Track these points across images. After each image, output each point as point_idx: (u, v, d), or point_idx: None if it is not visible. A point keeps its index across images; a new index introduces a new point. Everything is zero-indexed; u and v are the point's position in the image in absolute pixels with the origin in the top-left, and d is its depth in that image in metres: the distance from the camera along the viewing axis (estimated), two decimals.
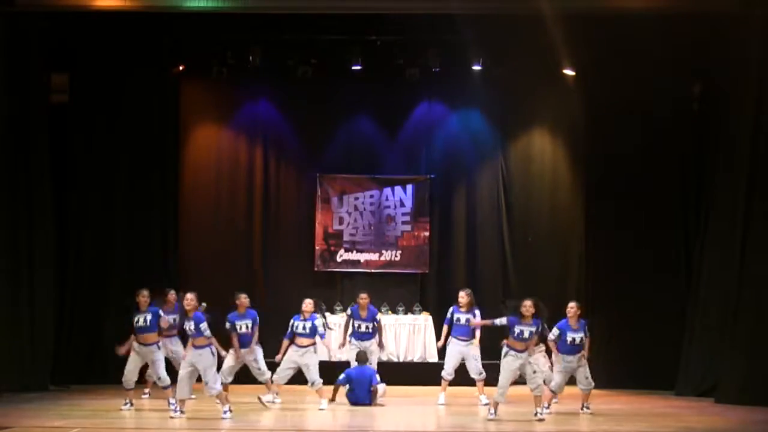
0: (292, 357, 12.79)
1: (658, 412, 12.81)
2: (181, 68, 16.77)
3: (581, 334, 12.42)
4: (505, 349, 11.73)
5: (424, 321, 16.48)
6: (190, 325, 11.58)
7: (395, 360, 16.18)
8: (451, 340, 13.47)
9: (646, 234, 15.66)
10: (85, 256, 15.76)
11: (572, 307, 12.46)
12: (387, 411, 12.41)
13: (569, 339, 12.34)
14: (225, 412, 11.55)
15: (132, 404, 12.29)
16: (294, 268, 17.09)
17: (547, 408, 12.30)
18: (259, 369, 12.93)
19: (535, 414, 11.63)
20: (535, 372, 11.72)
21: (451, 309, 13.52)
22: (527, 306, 11.61)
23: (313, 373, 12.69)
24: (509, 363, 11.62)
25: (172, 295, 13.47)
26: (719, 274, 14.31)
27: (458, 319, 13.36)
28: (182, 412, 11.67)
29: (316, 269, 17.21)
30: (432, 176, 17.29)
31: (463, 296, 13.46)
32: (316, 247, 17.22)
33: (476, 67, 16.44)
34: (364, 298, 13.69)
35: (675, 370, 14.92)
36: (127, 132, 16.14)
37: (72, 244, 15.71)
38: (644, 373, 15.36)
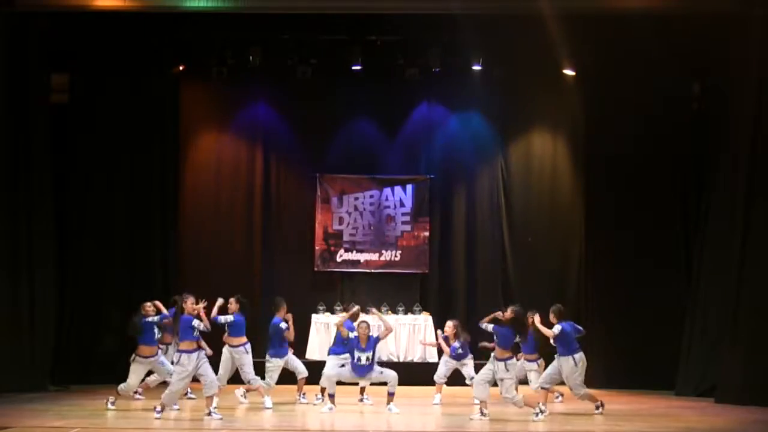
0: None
1: (658, 412, 12.80)
2: (180, 68, 16.79)
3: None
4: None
5: (424, 321, 16.47)
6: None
7: (395, 360, 16.17)
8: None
9: (646, 234, 15.67)
10: (85, 255, 15.77)
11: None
12: (386, 411, 12.39)
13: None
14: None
15: (114, 403, 12.23)
16: (294, 268, 17.11)
17: (544, 409, 12.29)
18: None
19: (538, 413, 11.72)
20: (502, 380, 11.73)
21: (442, 335, 13.45)
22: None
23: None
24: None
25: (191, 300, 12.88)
26: (719, 274, 14.30)
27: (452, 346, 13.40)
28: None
29: (316, 269, 17.22)
30: (432, 176, 17.30)
31: (449, 327, 13.35)
32: (316, 247, 17.22)
33: (476, 67, 16.45)
34: (364, 327, 12.47)
35: (675, 370, 14.93)
36: (127, 132, 16.15)
37: (72, 244, 15.72)
38: (644, 373, 15.38)
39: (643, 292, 15.51)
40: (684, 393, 14.64)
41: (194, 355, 11.53)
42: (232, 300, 12.70)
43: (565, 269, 16.84)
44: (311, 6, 14.60)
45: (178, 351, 11.63)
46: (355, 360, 12.39)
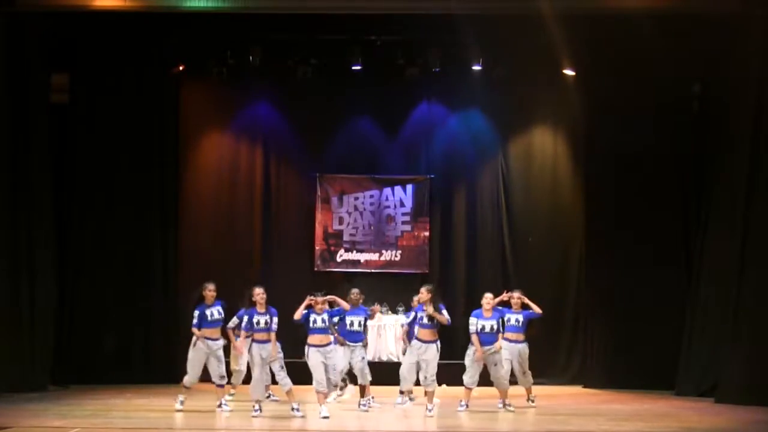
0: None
1: (658, 412, 12.80)
2: (181, 68, 16.78)
3: (492, 322, 12.55)
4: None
5: None
6: (264, 319, 11.89)
7: (395, 360, 16.16)
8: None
9: (646, 234, 15.66)
10: (85, 255, 15.78)
11: (487, 298, 12.72)
12: (386, 411, 12.40)
13: (480, 327, 12.52)
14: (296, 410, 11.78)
15: (183, 402, 12.24)
16: (294, 268, 17.07)
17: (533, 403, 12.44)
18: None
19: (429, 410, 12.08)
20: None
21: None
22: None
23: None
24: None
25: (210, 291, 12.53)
26: (719, 274, 14.30)
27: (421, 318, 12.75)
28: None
29: (316, 269, 17.21)
30: (432, 176, 17.30)
31: (423, 292, 12.70)
32: (316, 247, 17.22)
33: (476, 67, 16.45)
34: (356, 293, 13.02)
35: (675, 370, 14.92)
36: (127, 132, 16.16)
37: (72, 244, 15.72)
38: (644, 373, 15.37)
39: (643, 292, 15.50)
40: (684, 393, 14.64)
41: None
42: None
43: (565, 269, 16.84)
44: (311, 6, 14.59)
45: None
46: (347, 326, 12.66)
